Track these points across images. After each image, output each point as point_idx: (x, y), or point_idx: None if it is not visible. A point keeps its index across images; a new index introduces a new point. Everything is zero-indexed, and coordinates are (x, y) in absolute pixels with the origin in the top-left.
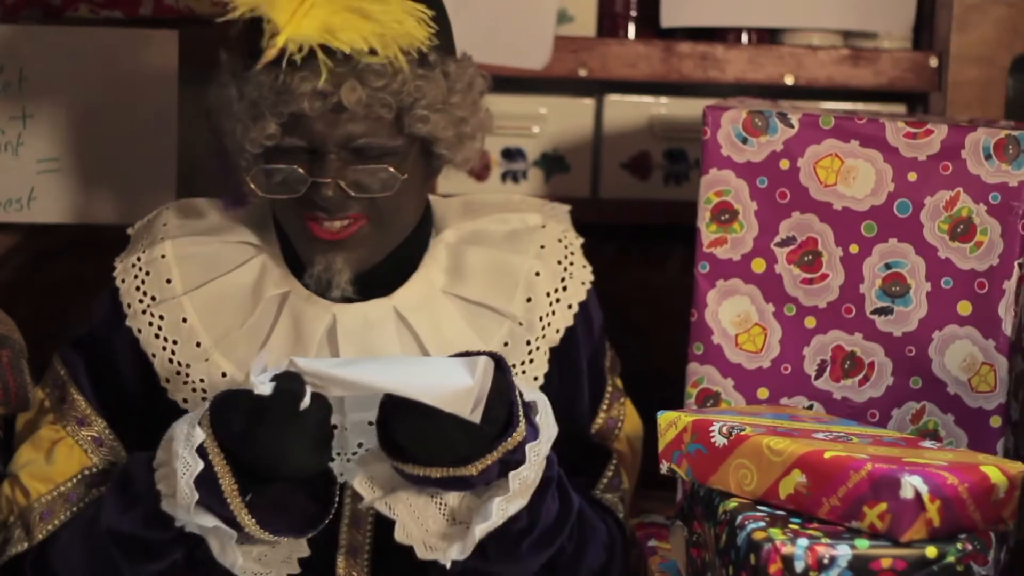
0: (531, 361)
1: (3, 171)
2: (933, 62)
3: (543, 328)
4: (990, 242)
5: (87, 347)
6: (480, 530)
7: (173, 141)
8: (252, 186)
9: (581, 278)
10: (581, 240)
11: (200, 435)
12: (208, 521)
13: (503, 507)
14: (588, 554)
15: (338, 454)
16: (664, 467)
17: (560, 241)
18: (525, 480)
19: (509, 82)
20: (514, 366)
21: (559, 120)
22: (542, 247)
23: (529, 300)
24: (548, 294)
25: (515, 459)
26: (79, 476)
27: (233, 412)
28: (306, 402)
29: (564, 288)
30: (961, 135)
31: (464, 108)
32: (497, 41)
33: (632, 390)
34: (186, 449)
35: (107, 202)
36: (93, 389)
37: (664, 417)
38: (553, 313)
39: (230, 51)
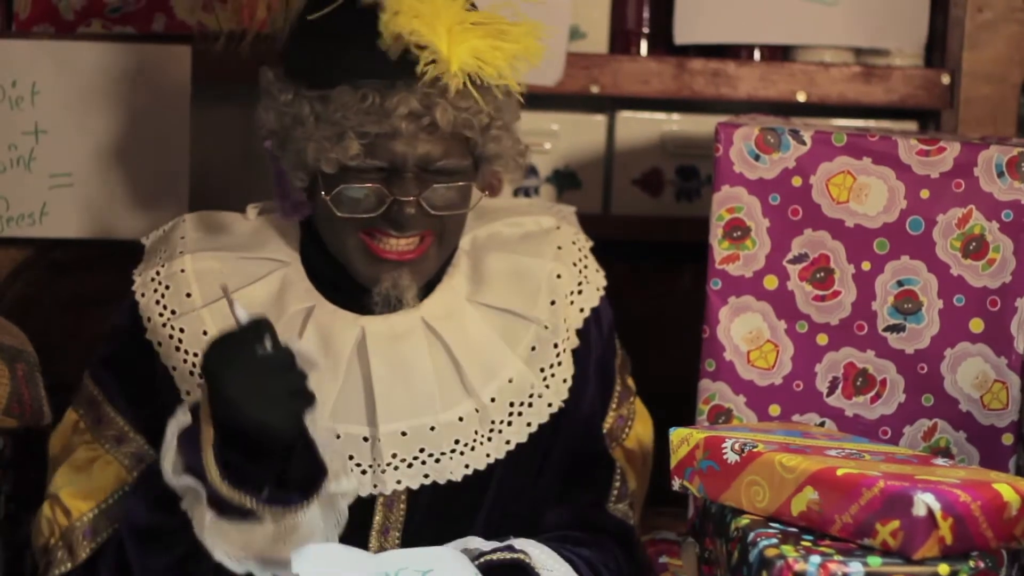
0: (559, 364)
1: (16, 185)
2: (945, 79)
3: (567, 330)
4: (1002, 259)
5: (117, 364)
6: None
7: (185, 156)
8: (331, 206)
9: (596, 283)
10: (591, 243)
11: (196, 397)
12: (185, 480)
13: None
14: None
15: (370, 466)
16: (676, 484)
17: (574, 243)
18: None
19: (522, 98)
20: (543, 370)
21: (571, 136)
22: (559, 248)
23: (553, 303)
24: (567, 295)
25: None
26: (120, 492)
27: (218, 359)
28: (268, 347)
29: (580, 292)
30: (974, 153)
31: (514, 131)
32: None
33: (644, 406)
34: (181, 409)
35: (120, 217)
36: (128, 405)
37: (676, 434)
38: (570, 315)
39: (279, 67)
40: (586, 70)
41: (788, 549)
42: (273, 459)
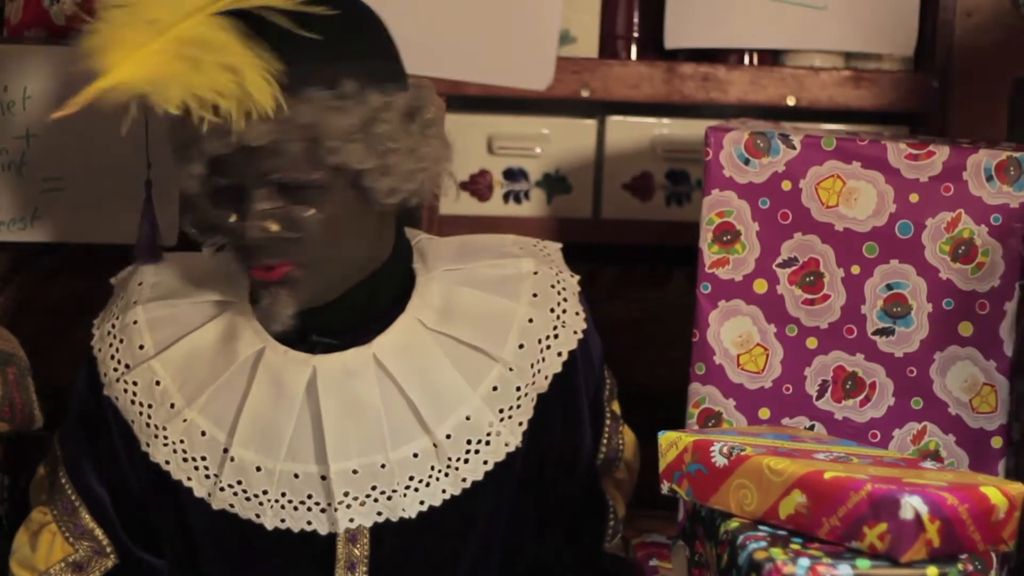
0: (518, 407)
1: (7, 190)
2: (934, 84)
3: (533, 375)
4: (991, 263)
5: (81, 423)
6: None
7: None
8: (191, 231)
9: (574, 326)
10: (577, 278)
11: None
12: None
13: None
14: None
15: (329, 504)
16: (665, 487)
17: (553, 287)
18: None
19: (511, 103)
20: (501, 411)
21: (561, 141)
22: (535, 295)
23: (522, 347)
24: (540, 340)
25: None
26: (63, 563)
27: None
28: None
29: (556, 336)
30: (963, 156)
31: (396, 138)
32: (500, 62)
33: (633, 410)
34: None
35: (111, 222)
36: (93, 466)
37: (665, 437)
38: (543, 360)
39: None
40: (576, 74)
41: (777, 552)
42: None
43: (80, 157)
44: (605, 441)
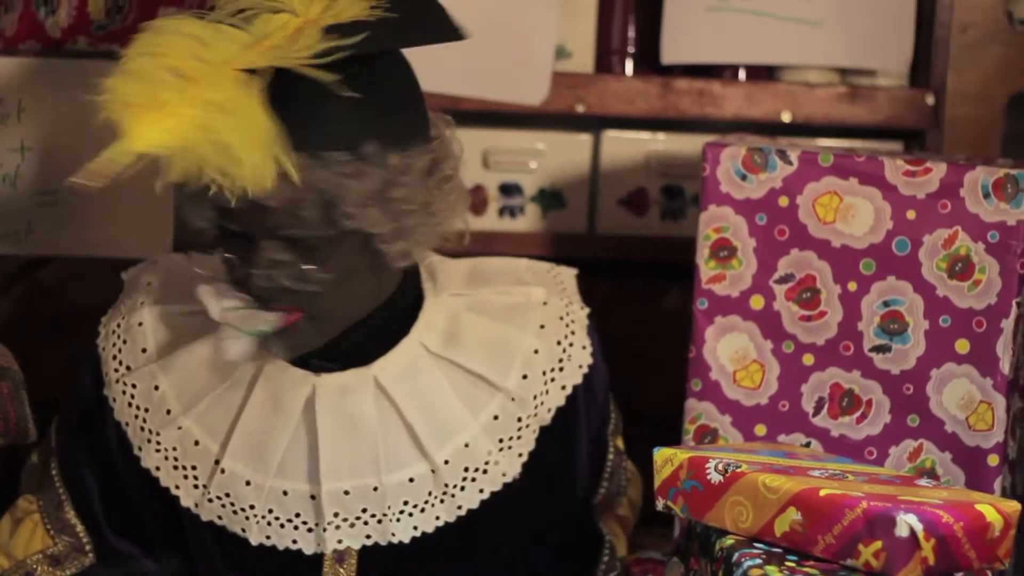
0: (519, 438)
1: (1, 203)
2: (930, 100)
3: (536, 407)
4: (988, 280)
5: (80, 416)
6: None
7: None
8: (197, 271)
9: (579, 360)
10: (587, 311)
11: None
12: None
13: None
14: None
15: (316, 524)
16: (660, 504)
17: (562, 319)
18: None
19: (507, 118)
20: (501, 440)
21: (557, 156)
22: (542, 327)
23: (525, 377)
24: (544, 372)
25: None
26: (40, 555)
27: None
28: None
29: (561, 369)
30: (960, 173)
31: (413, 199)
32: (495, 77)
33: (629, 426)
34: None
35: (105, 235)
36: (86, 457)
37: (660, 454)
38: (547, 392)
39: None
40: (572, 89)
41: (772, 569)
42: None
43: (74, 170)
44: (607, 476)
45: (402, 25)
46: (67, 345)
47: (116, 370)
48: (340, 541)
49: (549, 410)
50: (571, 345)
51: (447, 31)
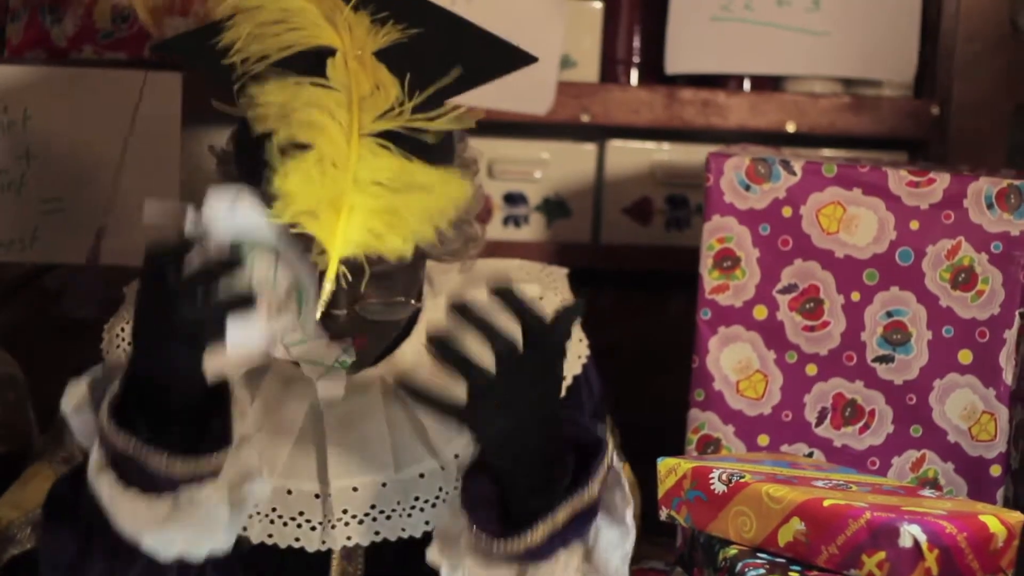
0: None
1: (6, 210)
2: (935, 110)
3: None
4: (991, 291)
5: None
6: None
7: (176, 182)
8: None
9: (577, 352)
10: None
11: None
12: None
13: None
14: None
15: (320, 523)
16: (663, 513)
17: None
18: None
19: (512, 127)
20: None
21: (561, 165)
22: None
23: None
24: None
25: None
26: None
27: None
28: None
29: None
30: (963, 184)
31: (472, 213)
32: (500, 86)
33: (632, 436)
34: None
35: (110, 242)
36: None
37: (664, 464)
38: None
39: (231, 151)
40: (577, 99)
41: None
42: (177, 420)
43: (80, 178)
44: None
45: (476, 56)
46: (71, 353)
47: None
48: (349, 538)
49: None
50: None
51: (517, 53)
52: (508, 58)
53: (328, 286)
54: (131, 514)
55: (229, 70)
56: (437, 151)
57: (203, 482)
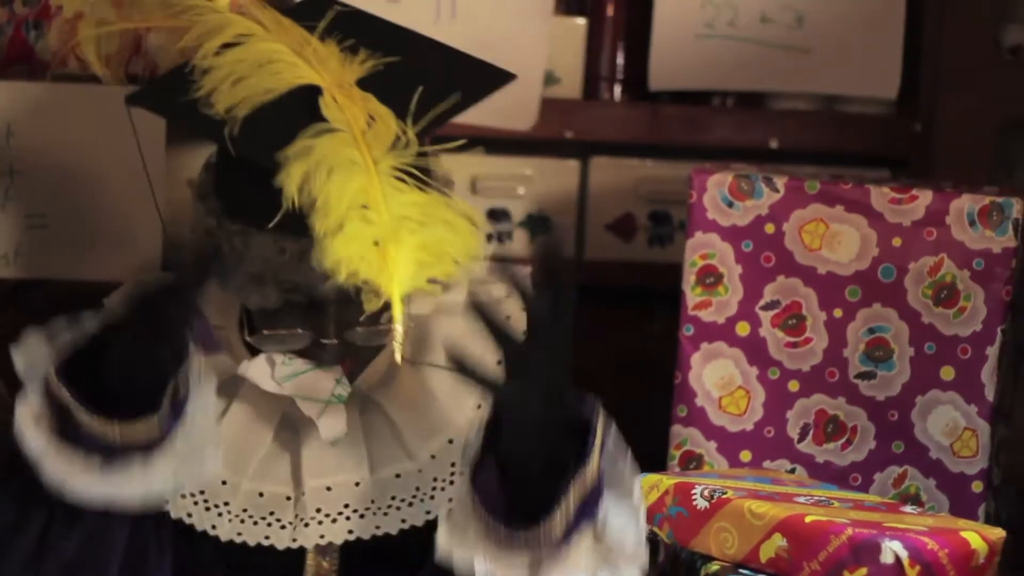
0: None
1: None
2: (917, 127)
3: None
4: (973, 308)
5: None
6: None
7: (160, 198)
8: (254, 345)
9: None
10: None
11: None
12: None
13: None
14: None
15: (290, 522)
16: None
17: (524, 311)
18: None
19: (495, 143)
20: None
21: (544, 181)
22: (508, 317)
23: (500, 363)
24: None
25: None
26: None
27: None
28: None
29: None
30: (946, 201)
31: None
32: (484, 103)
33: None
34: None
35: (94, 258)
36: None
37: (646, 480)
38: None
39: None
40: (560, 115)
41: None
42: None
43: (64, 194)
44: None
45: (457, 78)
46: None
47: None
48: (323, 536)
49: None
50: None
51: (497, 73)
52: (488, 78)
53: (399, 327)
54: (61, 464)
55: (212, 119)
56: (431, 175)
57: (140, 450)
